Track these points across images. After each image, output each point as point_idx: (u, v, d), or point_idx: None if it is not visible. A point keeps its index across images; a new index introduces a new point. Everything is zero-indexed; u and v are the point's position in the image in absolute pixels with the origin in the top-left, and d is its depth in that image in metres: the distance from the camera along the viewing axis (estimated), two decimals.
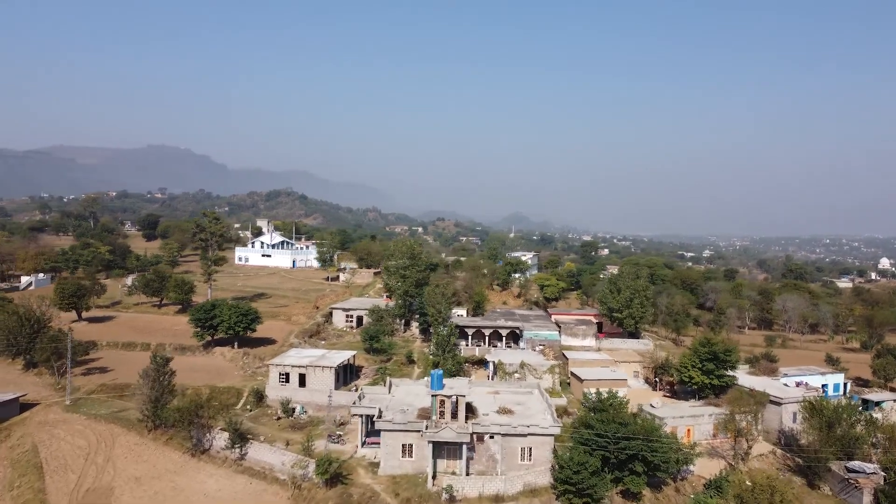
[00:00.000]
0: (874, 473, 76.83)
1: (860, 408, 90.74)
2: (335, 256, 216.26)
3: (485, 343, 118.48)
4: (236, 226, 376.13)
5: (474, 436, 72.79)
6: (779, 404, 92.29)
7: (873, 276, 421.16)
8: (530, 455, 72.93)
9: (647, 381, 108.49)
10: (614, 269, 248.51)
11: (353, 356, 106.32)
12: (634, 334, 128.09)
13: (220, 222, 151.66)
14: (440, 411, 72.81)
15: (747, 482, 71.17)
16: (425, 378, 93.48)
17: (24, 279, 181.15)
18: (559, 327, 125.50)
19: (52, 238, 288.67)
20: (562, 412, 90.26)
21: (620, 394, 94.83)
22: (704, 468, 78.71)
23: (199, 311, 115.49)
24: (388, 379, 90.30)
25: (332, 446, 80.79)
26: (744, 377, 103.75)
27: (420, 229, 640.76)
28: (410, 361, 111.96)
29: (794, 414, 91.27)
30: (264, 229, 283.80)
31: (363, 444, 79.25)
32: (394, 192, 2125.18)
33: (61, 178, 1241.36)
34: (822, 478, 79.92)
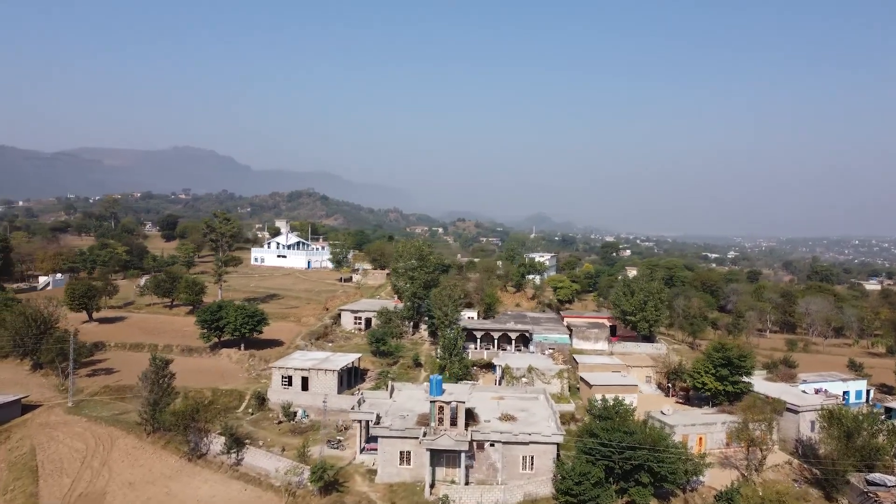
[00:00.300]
0: None
1: (883, 416, 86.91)
2: (350, 257, 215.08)
3: (494, 346, 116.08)
4: (258, 226, 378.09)
5: (474, 443, 70.59)
6: (796, 412, 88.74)
7: None
8: (532, 464, 70.54)
9: (659, 386, 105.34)
10: (633, 271, 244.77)
11: (358, 359, 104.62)
12: (649, 338, 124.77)
13: (231, 223, 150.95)
14: (439, 418, 70.71)
15: (759, 494, 68.10)
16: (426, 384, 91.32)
17: (42, 279, 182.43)
18: (570, 331, 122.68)
19: (73, 238, 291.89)
20: (569, 418, 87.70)
21: (630, 400, 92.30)
22: (716, 479, 75.61)
23: (206, 313, 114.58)
24: (389, 383, 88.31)
25: (331, 452, 79.21)
26: (760, 383, 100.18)
27: (440, 230, 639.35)
28: (417, 364, 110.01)
29: (813, 423, 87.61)
30: (282, 230, 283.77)
31: (362, 450, 77.45)
32: (416, 192, 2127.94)
33: (88, 179, 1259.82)
34: (840, 490, 76.28)
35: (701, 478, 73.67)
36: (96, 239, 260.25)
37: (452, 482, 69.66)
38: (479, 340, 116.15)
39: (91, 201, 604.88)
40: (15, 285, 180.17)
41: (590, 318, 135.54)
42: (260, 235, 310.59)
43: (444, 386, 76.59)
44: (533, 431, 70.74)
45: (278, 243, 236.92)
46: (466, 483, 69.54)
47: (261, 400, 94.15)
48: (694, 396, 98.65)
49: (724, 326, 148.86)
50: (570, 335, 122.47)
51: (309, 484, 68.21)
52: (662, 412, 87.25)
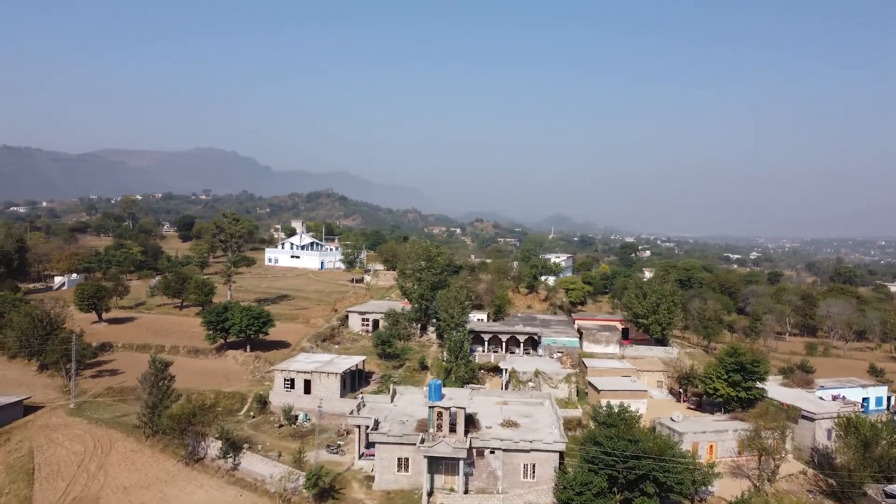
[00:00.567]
0: None
1: None
2: (363, 258, 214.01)
3: (502, 349, 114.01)
4: (276, 226, 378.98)
5: (474, 450, 68.69)
6: (812, 420, 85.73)
7: None
8: (533, 472, 68.47)
9: (671, 391, 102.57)
10: (650, 273, 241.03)
11: (363, 361, 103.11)
12: (662, 341, 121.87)
13: (240, 223, 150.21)
14: (438, 424, 68.88)
15: None
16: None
17: (58, 279, 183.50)
18: (581, 333, 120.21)
19: (92, 239, 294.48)
20: (575, 425, 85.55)
21: (639, 406, 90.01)
22: (726, 489, 72.97)
23: (211, 314, 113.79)
24: (391, 387, 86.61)
25: (329, 457, 77.77)
26: (776, 389, 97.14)
27: (458, 230, 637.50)
28: (423, 367, 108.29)
29: (829, 431, 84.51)
30: (297, 230, 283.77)
31: (361, 455, 75.87)
32: (435, 193, 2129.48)
33: (112, 180, 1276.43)
34: (856, 502, 73.24)
35: (710, 488, 71.07)
36: (114, 239, 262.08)
37: (451, 490, 67.81)
38: (486, 343, 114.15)
39: (112, 202, 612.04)
40: (31, 285, 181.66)
41: (601, 320, 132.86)
42: (276, 236, 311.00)
43: (445, 391, 74.77)
44: (534, 439, 68.67)
45: (292, 244, 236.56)
46: (466, 491, 67.69)
47: (262, 403, 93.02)
48: (706, 402, 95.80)
49: (740, 329, 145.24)
50: (581, 338, 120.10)
51: (304, 491, 66.75)
52: (672, 419, 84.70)
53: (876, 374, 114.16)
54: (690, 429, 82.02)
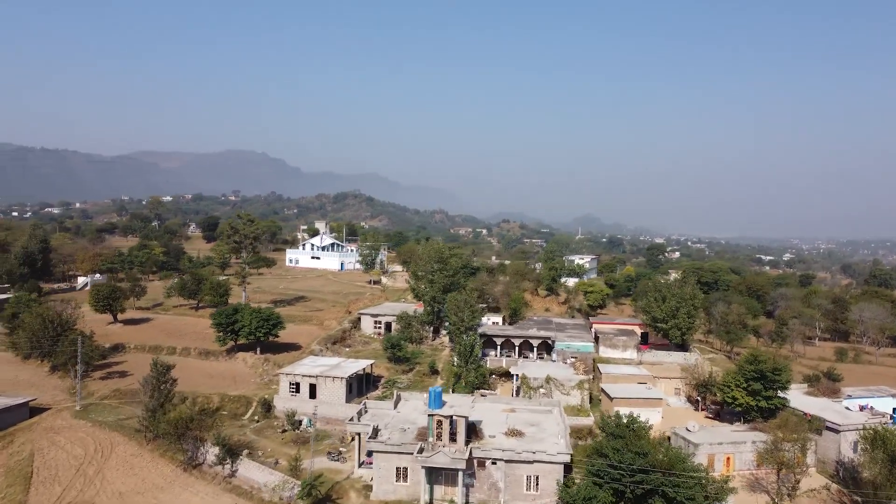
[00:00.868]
0: None
1: None
2: (384, 259, 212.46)
3: (515, 354, 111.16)
4: (303, 227, 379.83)
5: (474, 461, 66.18)
6: (837, 432, 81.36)
7: None
8: (537, 484, 65.75)
9: (689, 399, 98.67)
10: (675, 274, 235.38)
11: (371, 365, 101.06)
12: (683, 346, 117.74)
13: (255, 224, 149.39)
14: (437, 433, 66.59)
15: None
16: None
17: (81, 279, 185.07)
18: (597, 338, 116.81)
19: (119, 239, 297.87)
20: (586, 433, 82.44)
21: (654, 414, 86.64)
22: None
23: (221, 316, 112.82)
24: (395, 393, 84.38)
25: (330, 465, 75.93)
26: (800, 398, 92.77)
27: (484, 231, 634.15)
28: (434, 372, 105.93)
29: (855, 443, 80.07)
30: (321, 230, 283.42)
31: (361, 464, 73.83)
32: (464, 194, 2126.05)
33: (144, 181, 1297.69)
34: None
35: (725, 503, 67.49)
36: (140, 240, 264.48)
37: (451, 502, 65.37)
38: (498, 347, 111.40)
39: (143, 203, 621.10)
40: (56, 285, 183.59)
41: (619, 324, 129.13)
42: (299, 237, 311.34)
43: (446, 398, 72.52)
44: (538, 449, 65.92)
45: (312, 245, 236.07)
46: (466, 503, 65.14)
47: (267, 407, 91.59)
48: (725, 411, 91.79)
49: (766, 334, 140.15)
50: (597, 343, 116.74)
51: (298, 501, 64.87)
52: (687, 428, 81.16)
53: None
54: (706, 439, 78.47)
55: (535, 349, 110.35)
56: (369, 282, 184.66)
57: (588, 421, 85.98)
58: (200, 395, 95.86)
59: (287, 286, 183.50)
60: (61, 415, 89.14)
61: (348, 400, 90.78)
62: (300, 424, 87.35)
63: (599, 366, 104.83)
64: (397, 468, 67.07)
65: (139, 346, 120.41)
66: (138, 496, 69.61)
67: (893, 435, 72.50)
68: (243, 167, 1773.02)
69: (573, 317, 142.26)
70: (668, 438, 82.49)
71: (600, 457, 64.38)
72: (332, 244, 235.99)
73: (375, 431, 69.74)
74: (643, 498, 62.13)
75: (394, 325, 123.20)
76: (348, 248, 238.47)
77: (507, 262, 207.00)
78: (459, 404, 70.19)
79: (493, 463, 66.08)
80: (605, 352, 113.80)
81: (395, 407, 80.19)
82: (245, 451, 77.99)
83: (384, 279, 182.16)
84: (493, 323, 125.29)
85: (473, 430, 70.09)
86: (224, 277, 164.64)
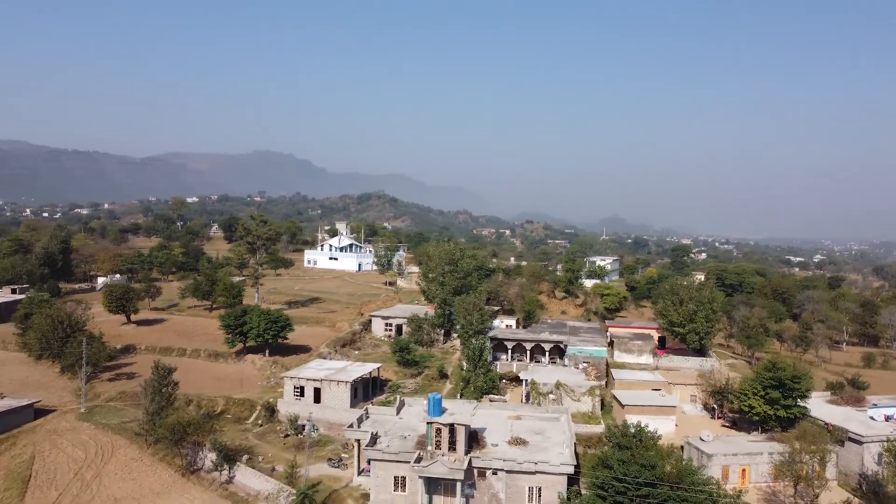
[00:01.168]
0: None
1: None
2: (400, 260, 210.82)
3: (527, 358, 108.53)
4: (326, 228, 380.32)
5: (475, 471, 63.88)
6: (859, 443, 77.49)
7: None
8: (539, 496, 63.21)
9: (705, 407, 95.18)
10: (700, 276, 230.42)
11: (378, 369, 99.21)
12: (702, 351, 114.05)
13: (268, 225, 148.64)
14: (436, 441, 64.42)
15: None
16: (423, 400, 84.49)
17: (101, 280, 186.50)
18: (612, 342, 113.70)
19: (143, 240, 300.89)
20: (595, 442, 79.63)
21: (667, 423, 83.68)
22: None
23: (230, 318, 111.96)
24: (398, 398, 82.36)
25: (331, 471, 74.25)
26: (822, 407, 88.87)
27: (507, 232, 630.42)
28: (443, 376, 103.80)
29: (879, 455, 76.21)
30: (341, 231, 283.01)
31: (360, 471, 71.92)
32: (490, 194, 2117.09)
33: (173, 183, 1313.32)
34: None
35: None
36: (163, 241, 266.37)
37: None
38: (510, 351, 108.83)
39: (169, 203, 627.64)
40: (77, 285, 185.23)
41: (636, 328, 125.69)
42: (319, 237, 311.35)
43: (447, 405, 70.42)
44: (540, 460, 63.38)
45: (331, 245, 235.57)
46: None
47: (270, 411, 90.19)
48: (742, 420, 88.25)
49: (790, 339, 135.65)
50: (612, 347, 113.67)
51: None
52: (701, 438, 77.96)
53: None
54: (721, 450, 75.26)
55: (547, 353, 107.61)
56: (385, 283, 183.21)
57: (598, 429, 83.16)
58: (205, 398, 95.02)
59: (303, 287, 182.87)
60: (66, 417, 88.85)
61: (354, 405, 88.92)
62: (303, 429, 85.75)
63: (613, 371, 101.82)
64: (395, 477, 65.06)
65: (150, 348, 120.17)
66: (134, 502, 68.62)
67: None
68: (270, 168, 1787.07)
69: (589, 320, 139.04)
70: (682, 448, 79.54)
71: (605, 468, 61.71)
72: (350, 245, 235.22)
73: (374, 438, 67.75)
74: None
75: (404, 328, 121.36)
76: (366, 249, 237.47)
77: (523, 263, 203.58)
78: (460, 412, 67.93)
79: (494, 473, 63.74)
80: (619, 356, 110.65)
81: (398, 413, 78.15)
82: (245, 457, 76.67)
83: (400, 281, 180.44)
84: (507, 326, 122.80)
85: (475, 439, 67.82)
86: (240, 278, 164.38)
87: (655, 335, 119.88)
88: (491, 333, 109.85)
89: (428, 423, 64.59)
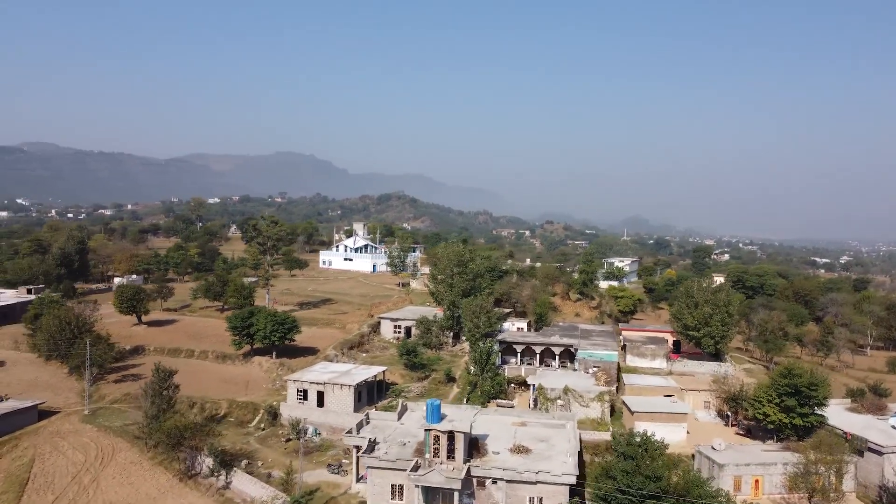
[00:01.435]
0: None
1: None
2: (415, 260, 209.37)
3: (536, 361, 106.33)
4: (345, 228, 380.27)
5: (474, 480, 62.00)
6: (880, 453, 74.30)
7: None
8: None
9: (719, 414, 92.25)
10: (720, 279, 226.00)
11: (383, 372, 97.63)
12: (718, 356, 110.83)
13: (279, 226, 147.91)
14: (434, 448, 62.63)
15: None
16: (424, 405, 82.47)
17: (117, 280, 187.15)
18: (624, 346, 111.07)
19: (162, 241, 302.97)
20: (604, 450, 77.23)
21: (678, 430, 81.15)
22: None
23: (237, 319, 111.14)
24: (400, 402, 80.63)
25: (330, 477, 72.83)
26: (841, 415, 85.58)
27: (527, 232, 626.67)
28: (450, 380, 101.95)
29: None
30: (358, 232, 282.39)
31: (359, 478, 70.29)
32: (510, 194, 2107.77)
33: (195, 183, 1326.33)
34: None
35: None
36: (182, 241, 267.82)
37: None
38: (519, 355, 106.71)
39: (192, 204, 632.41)
40: (94, 286, 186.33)
41: (650, 331, 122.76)
42: (336, 237, 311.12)
43: (447, 410, 68.68)
44: (541, 469, 61.28)
45: (346, 246, 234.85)
46: None
47: (273, 414, 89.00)
48: (757, 428, 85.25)
49: (810, 343, 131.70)
50: (625, 351, 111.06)
51: None
52: (713, 447, 75.27)
53: None
54: (733, 459, 72.54)
55: (556, 357, 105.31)
56: (398, 284, 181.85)
57: (607, 436, 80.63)
58: (209, 400, 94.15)
59: (315, 288, 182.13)
60: (69, 419, 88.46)
61: (358, 409, 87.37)
62: (305, 433, 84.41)
63: (624, 376, 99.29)
64: (392, 485, 63.44)
65: (158, 349, 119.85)
66: None
67: None
68: (292, 169, 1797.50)
69: (603, 322, 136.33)
70: (693, 457, 76.99)
71: (608, 479, 59.52)
72: (365, 246, 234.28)
73: (372, 445, 66.13)
74: None
75: (413, 330, 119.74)
76: (381, 249, 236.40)
77: (537, 264, 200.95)
78: (459, 418, 66.04)
79: (494, 482, 61.82)
80: (632, 361, 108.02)
81: (399, 418, 76.47)
82: (244, 462, 75.56)
83: (413, 282, 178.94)
84: (518, 329, 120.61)
85: (475, 446, 65.91)
86: (252, 279, 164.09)
87: (670, 339, 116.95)
88: (500, 336, 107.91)
89: (426, 430, 62.90)
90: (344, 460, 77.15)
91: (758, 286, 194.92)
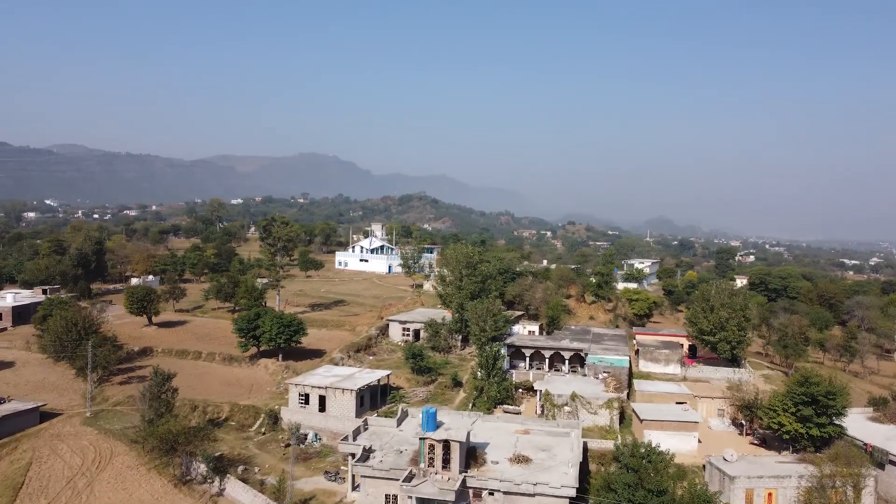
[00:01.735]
0: None
1: None
2: (432, 261, 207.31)
3: (546, 366, 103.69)
4: (367, 229, 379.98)
5: (469, 491, 59.79)
6: None
7: None
8: None
9: (734, 422, 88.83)
10: (742, 281, 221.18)
11: (388, 376, 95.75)
12: (735, 361, 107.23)
13: (289, 227, 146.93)
14: (429, 458, 60.54)
15: None
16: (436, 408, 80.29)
17: (134, 280, 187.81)
18: (637, 350, 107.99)
19: (183, 241, 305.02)
20: (611, 460, 74.46)
21: (688, 440, 78.21)
22: None
23: (243, 321, 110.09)
24: (400, 408, 78.67)
25: (327, 485, 71.14)
26: (862, 424, 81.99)
27: (549, 233, 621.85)
28: (457, 384, 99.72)
29: None
30: (376, 232, 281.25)
31: (355, 486, 68.42)
32: (534, 195, 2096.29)
33: (220, 184, 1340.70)
34: None
35: None
36: (201, 242, 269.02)
37: None
38: (527, 359, 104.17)
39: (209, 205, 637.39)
40: (112, 286, 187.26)
41: (665, 335, 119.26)
42: (353, 238, 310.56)
43: (445, 418, 66.65)
44: (540, 480, 58.86)
45: (362, 247, 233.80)
46: None
47: (274, 419, 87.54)
48: (773, 437, 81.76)
49: (833, 348, 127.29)
50: (638, 356, 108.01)
51: None
52: (724, 458, 72.15)
53: None
54: (745, 472, 69.36)
55: (567, 362, 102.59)
56: (412, 286, 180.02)
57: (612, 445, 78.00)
58: (211, 403, 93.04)
59: (329, 289, 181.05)
60: (71, 421, 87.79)
61: (360, 414, 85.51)
62: (305, 439, 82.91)
63: (635, 382, 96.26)
64: (386, 495, 61.54)
65: (166, 350, 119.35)
66: None
67: None
68: (314, 170, 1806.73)
69: (617, 326, 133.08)
70: (703, 468, 73.97)
71: (609, 492, 56.94)
72: (381, 247, 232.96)
73: (366, 453, 64.23)
74: None
75: (422, 333, 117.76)
76: (397, 250, 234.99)
77: (552, 266, 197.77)
78: (456, 426, 63.90)
79: (491, 494, 59.54)
80: (645, 366, 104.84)
81: (399, 425, 74.52)
82: (241, 467, 74.23)
83: (426, 283, 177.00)
84: (529, 332, 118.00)
85: (473, 456, 63.68)
86: (264, 280, 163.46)
87: (686, 343, 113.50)
88: (509, 340, 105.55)
89: (421, 438, 60.81)
90: (342, 467, 75.29)
91: (781, 289, 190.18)
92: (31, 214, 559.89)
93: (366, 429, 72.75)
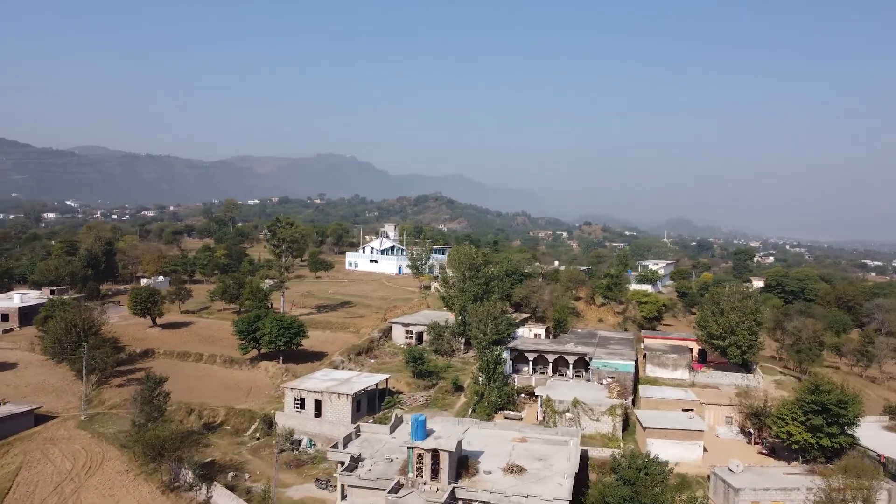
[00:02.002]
0: None
1: None
2: (442, 262, 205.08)
3: (550, 370, 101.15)
4: (382, 229, 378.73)
5: (459, 502, 57.52)
6: None
7: None
8: None
9: (742, 430, 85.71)
10: (759, 283, 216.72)
11: (386, 380, 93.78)
12: (747, 366, 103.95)
13: (294, 227, 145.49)
14: (418, 468, 58.39)
15: None
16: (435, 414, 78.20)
17: (144, 281, 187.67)
18: (645, 355, 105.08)
19: (195, 241, 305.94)
20: (611, 469, 71.85)
21: (693, 449, 75.42)
22: None
23: (243, 323, 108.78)
24: (394, 414, 76.63)
25: (318, 493, 69.34)
26: (877, 433, 78.77)
27: (565, 234, 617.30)
28: (458, 389, 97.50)
29: None
30: (389, 233, 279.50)
31: (343, 496, 66.36)
32: (551, 196, 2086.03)
33: (238, 185, 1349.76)
34: None
35: None
36: (214, 243, 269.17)
37: None
38: (531, 363, 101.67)
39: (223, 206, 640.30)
40: (122, 287, 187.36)
41: (674, 339, 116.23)
42: (366, 238, 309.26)
43: (436, 426, 64.55)
44: (531, 493, 56.45)
45: (372, 248, 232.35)
46: None
47: (269, 423, 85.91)
48: (782, 447, 78.64)
49: (849, 353, 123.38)
50: (645, 360, 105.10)
51: None
52: (729, 468, 69.31)
53: None
54: (751, 483, 66.46)
55: (571, 366, 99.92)
56: (420, 287, 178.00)
57: (617, 453, 75.33)
58: (207, 407, 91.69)
59: (337, 290, 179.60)
60: (65, 424, 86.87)
61: (356, 419, 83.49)
62: (299, 444, 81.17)
63: (641, 388, 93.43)
64: None
65: (168, 352, 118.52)
66: None
67: None
68: (332, 171, 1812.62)
69: (626, 329, 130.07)
70: (708, 478, 71.14)
71: None
72: (392, 248, 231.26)
73: (354, 461, 62.25)
74: None
75: (425, 336, 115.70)
76: (407, 251, 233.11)
77: (561, 267, 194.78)
78: (447, 435, 61.63)
79: None
80: (652, 371, 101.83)
81: (392, 431, 72.42)
82: (231, 474, 72.67)
83: (434, 285, 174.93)
84: (535, 335, 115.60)
85: (465, 465, 61.42)
86: (269, 281, 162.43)
87: (695, 348, 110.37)
88: (512, 343, 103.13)
89: (409, 447, 58.70)
90: (335, 475, 73.42)
91: (797, 291, 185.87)
92: (51, 215, 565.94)
93: (358, 435, 70.80)
